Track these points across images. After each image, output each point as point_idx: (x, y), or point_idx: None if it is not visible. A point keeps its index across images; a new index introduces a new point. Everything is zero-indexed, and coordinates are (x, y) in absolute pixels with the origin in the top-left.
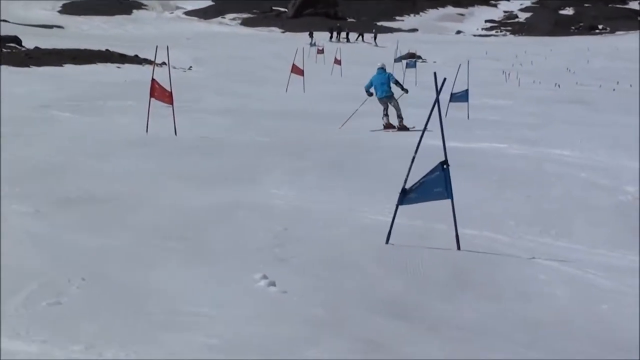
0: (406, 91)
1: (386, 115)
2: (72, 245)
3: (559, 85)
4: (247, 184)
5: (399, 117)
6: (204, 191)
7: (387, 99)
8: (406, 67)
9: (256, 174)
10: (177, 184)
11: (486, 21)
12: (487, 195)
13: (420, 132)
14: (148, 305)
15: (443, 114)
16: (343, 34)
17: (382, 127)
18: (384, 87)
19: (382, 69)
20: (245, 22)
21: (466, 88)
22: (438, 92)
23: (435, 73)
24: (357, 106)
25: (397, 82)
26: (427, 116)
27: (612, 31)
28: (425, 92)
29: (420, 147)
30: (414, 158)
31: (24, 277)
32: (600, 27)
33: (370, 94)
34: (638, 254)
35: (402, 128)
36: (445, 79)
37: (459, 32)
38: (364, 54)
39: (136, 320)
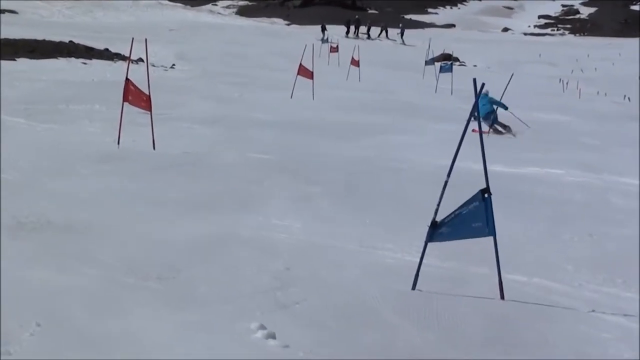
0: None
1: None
2: (25, 282)
3: (628, 98)
4: (242, 212)
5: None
6: (188, 220)
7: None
8: (440, 71)
9: (253, 200)
10: (155, 211)
11: (540, 17)
12: (539, 233)
13: (453, 154)
14: (117, 359)
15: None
16: (363, 29)
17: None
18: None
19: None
20: (242, 11)
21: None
22: (477, 100)
23: (474, 79)
24: (379, 118)
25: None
26: (461, 133)
27: None
28: (463, 103)
29: (453, 169)
30: (446, 183)
31: None
32: None
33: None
34: None
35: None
36: (483, 84)
37: (506, 29)
38: (387, 54)
39: None
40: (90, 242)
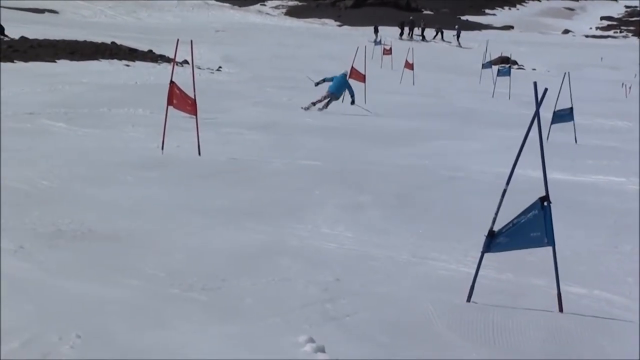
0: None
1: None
2: (64, 293)
3: None
4: (290, 221)
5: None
6: (234, 229)
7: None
8: (497, 75)
9: (301, 209)
10: (199, 219)
11: (602, 18)
12: (600, 244)
13: (513, 161)
14: None
15: (544, 137)
16: (417, 30)
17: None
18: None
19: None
20: (291, 12)
21: (570, 106)
22: (538, 106)
23: (535, 83)
24: (433, 124)
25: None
26: (521, 139)
27: None
28: (522, 108)
29: (512, 178)
30: (504, 191)
31: (2, 333)
32: None
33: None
34: None
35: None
36: (546, 90)
37: (566, 31)
38: (443, 57)
39: None
40: (133, 251)
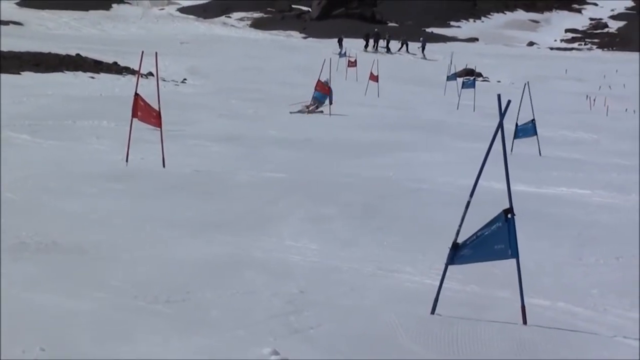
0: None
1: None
2: (28, 306)
3: None
4: (255, 233)
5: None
6: (199, 242)
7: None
8: (462, 87)
9: (267, 221)
10: (164, 232)
11: (567, 31)
12: (564, 256)
13: (477, 173)
14: None
15: (508, 149)
16: (382, 43)
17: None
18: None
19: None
20: (257, 24)
21: (532, 118)
22: (501, 118)
23: (499, 95)
24: (398, 136)
25: None
26: (485, 150)
27: None
28: (486, 120)
29: (476, 190)
30: (468, 203)
31: None
32: None
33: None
34: None
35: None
36: (509, 102)
37: (531, 43)
38: (407, 69)
39: None
40: (98, 264)
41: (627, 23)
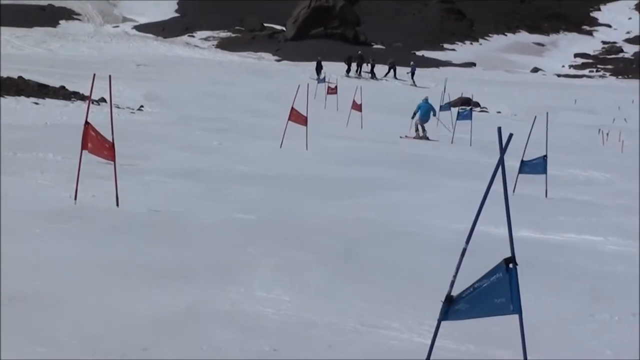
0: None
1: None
2: None
3: None
4: (220, 282)
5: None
6: (156, 291)
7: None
8: (457, 119)
9: (234, 269)
10: (117, 280)
11: (576, 55)
12: (573, 311)
13: (474, 216)
14: None
15: (510, 189)
16: (366, 67)
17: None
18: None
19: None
20: (224, 45)
21: (544, 154)
22: (502, 153)
23: (499, 128)
24: (384, 172)
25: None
26: (483, 191)
27: None
28: (484, 156)
29: (473, 235)
30: (464, 251)
31: None
32: None
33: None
34: None
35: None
36: (511, 135)
37: (536, 69)
38: (395, 97)
39: None
40: (40, 315)
41: None
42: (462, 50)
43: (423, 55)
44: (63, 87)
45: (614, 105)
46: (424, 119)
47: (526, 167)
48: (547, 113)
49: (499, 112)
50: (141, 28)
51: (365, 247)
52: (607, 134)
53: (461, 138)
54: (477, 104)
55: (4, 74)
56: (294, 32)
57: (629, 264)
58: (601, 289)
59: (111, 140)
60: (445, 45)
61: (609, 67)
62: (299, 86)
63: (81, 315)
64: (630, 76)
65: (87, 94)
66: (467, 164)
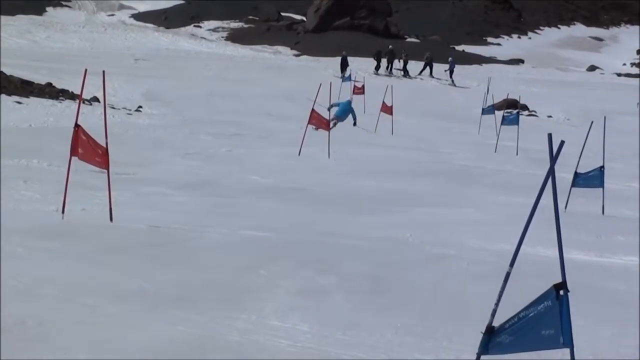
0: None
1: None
2: None
3: None
4: (229, 309)
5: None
6: (156, 320)
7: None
8: (502, 123)
9: (244, 294)
10: (109, 306)
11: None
12: (632, 346)
13: (520, 236)
14: None
15: (561, 205)
16: (398, 63)
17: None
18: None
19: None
20: (234, 37)
21: (601, 165)
22: (553, 164)
23: (550, 135)
24: (418, 186)
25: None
26: (530, 207)
27: None
28: (533, 167)
29: (518, 257)
30: (508, 275)
31: None
32: None
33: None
34: None
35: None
36: (562, 143)
37: (593, 68)
38: (431, 99)
39: None
40: (23, 346)
41: None
42: (508, 45)
43: (463, 51)
44: (50, 84)
45: None
46: (341, 117)
47: (580, 179)
48: (605, 118)
49: (550, 117)
50: (140, 17)
51: (396, 271)
52: None
53: (506, 146)
54: (525, 107)
55: None
56: (316, 22)
57: None
58: None
59: (105, 146)
60: (489, 39)
61: None
62: (320, 85)
63: (68, 347)
64: None
65: (77, 92)
66: (513, 175)
